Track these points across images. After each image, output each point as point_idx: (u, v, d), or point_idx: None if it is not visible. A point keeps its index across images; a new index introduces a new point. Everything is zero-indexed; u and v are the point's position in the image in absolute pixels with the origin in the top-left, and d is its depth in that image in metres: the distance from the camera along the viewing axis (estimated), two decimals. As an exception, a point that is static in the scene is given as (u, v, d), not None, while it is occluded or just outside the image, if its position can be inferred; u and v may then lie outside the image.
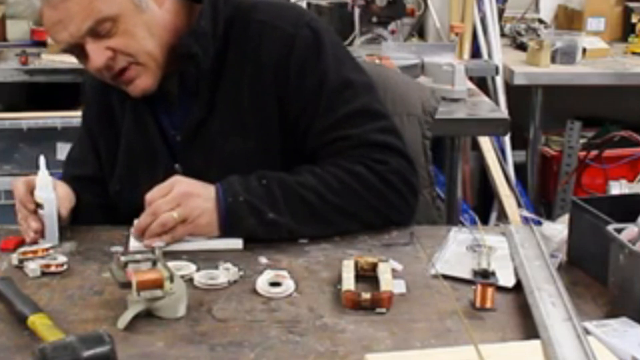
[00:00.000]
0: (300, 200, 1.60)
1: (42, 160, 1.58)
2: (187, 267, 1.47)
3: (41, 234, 1.58)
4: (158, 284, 1.30)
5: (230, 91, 1.69)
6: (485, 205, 3.82)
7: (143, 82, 1.65)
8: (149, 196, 1.57)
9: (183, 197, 1.56)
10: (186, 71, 1.69)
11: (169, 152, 1.75)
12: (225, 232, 1.58)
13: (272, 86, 1.67)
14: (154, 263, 1.34)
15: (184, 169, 1.72)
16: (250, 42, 1.69)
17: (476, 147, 3.78)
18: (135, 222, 1.61)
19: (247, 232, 1.58)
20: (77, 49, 1.62)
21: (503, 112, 3.35)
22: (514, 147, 3.79)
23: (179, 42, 1.66)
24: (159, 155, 1.75)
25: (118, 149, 1.80)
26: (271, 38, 1.68)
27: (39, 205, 1.58)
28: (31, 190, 1.60)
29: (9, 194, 2.89)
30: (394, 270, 1.45)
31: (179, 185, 1.58)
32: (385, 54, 3.16)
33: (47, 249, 1.53)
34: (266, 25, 1.69)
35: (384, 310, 1.34)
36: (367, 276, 1.44)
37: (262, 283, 1.42)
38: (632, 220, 1.37)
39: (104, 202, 1.81)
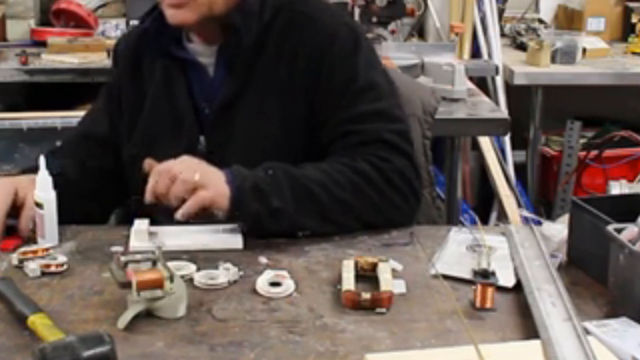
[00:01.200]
0: (306, 191, 1.60)
1: (42, 160, 1.58)
2: (187, 267, 1.47)
3: (41, 233, 1.58)
4: (158, 284, 1.30)
5: (264, 74, 1.73)
6: (485, 205, 3.82)
7: (186, 15, 1.68)
8: (158, 166, 1.58)
9: (196, 165, 1.57)
10: (227, 45, 1.73)
11: (196, 122, 1.77)
12: (233, 212, 1.57)
13: (303, 79, 1.72)
14: (154, 263, 1.34)
15: (207, 143, 1.75)
16: (291, 32, 1.74)
17: (476, 147, 3.78)
18: (136, 222, 1.61)
19: (253, 217, 1.58)
20: None
21: (503, 112, 3.35)
22: (514, 147, 3.79)
23: (225, 15, 1.70)
24: (185, 124, 1.77)
25: (141, 112, 1.82)
26: (312, 31, 1.74)
27: (38, 205, 1.58)
28: None
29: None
30: (394, 270, 1.45)
31: (188, 158, 1.60)
32: (385, 54, 3.15)
33: (47, 249, 1.53)
34: (309, 18, 1.76)
35: (384, 310, 1.34)
36: (367, 276, 1.44)
37: (262, 283, 1.42)
38: (632, 220, 1.37)
39: (106, 167, 1.85)
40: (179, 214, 1.55)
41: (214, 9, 1.69)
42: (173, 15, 1.69)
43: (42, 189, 1.58)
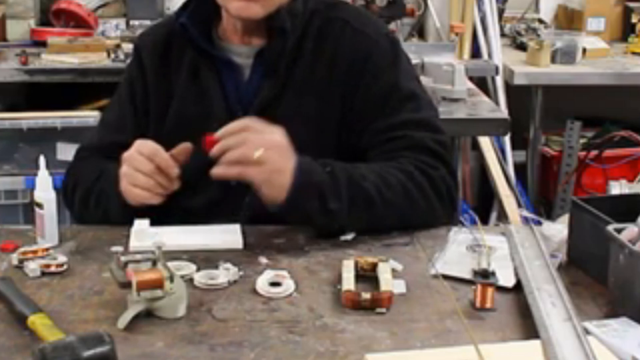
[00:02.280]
0: (361, 192, 1.60)
1: (42, 160, 1.58)
2: (187, 267, 1.47)
3: (41, 233, 1.58)
4: (158, 284, 1.30)
5: (302, 78, 1.73)
6: (485, 205, 3.82)
7: (256, 9, 1.67)
8: (248, 122, 1.55)
9: (277, 146, 1.53)
10: (271, 48, 1.72)
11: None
12: (288, 206, 1.54)
13: (341, 83, 1.73)
14: (154, 263, 1.34)
15: None
16: (329, 38, 1.74)
17: (476, 147, 3.78)
18: (136, 222, 1.61)
19: (306, 216, 1.57)
20: None
21: (503, 112, 3.35)
22: (514, 147, 3.79)
23: (275, 15, 1.69)
24: (215, 125, 1.71)
25: (167, 109, 1.79)
26: (353, 38, 1.74)
27: (38, 205, 1.58)
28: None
29: (9, 194, 2.89)
30: (394, 270, 1.45)
31: (282, 136, 1.55)
32: (385, 54, 3.15)
33: (47, 249, 1.53)
34: (349, 25, 1.76)
35: (384, 310, 1.34)
36: (367, 276, 1.44)
37: (262, 283, 1.42)
38: (632, 220, 1.37)
39: None
40: (214, 170, 1.52)
41: (281, 8, 1.69)
42: (241, 9, 1.67)
43: (42, 189, 1.58)
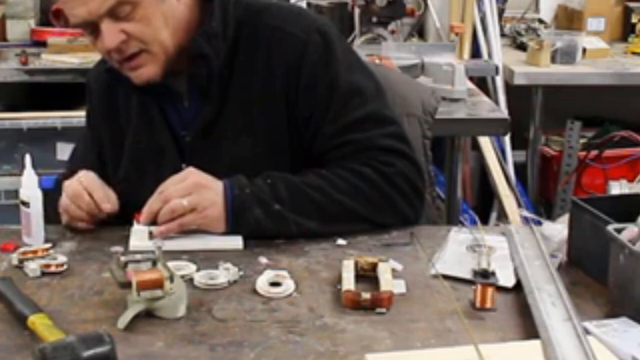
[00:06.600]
0: (305, 198, 1.61)
1: (27, 158, 1.57)
2: (187, 267, 1.47)
3: (27, 232, 1.58)
4: (158, 284, 1.30)
5: (240, 94, 1.70)
6: (485, 205, 3.82)
7: (149, 71, 1.65)
8: (162, 185, 1.60)
9: (195, 187, 1.58)
10: (197, 72, 1.69)
11: (177, 151, 1.75)
12: (232, 224, 1.58)
13: (282, 91, 1.69)
14: (154, 263, 1.34)
15: None
16: (260, 46, 1.70)
17: (476, 147, 3.78)
18: (136, 225, 1.61)
19: (253, 224, 1.58)
20: (91, 27, 1.62)
21: (503, 112, 3.35)
22: (514, 147, 3.79)
23: (190, 42, 1.67)
24: (166, 154, 1.75)
25: (123, 146, 1.80)
26: (282, 43, 1.70)
27: (24, 204, 1.57)
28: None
29: (9, 194, 2.89)
30: (394, 270, 1.45)
31: (192, 175, 1.60)
32: (385, 54, 3.15)
33: (47, 249, 1.53)
34: (277, 30, 1.71)
35: (384, 310, 1.34)
36: (367, 276, 1.44)
37: (262, 283, 1.42)
38: (632, 220, 1.37)
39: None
40: (155, 231, 1.57)
41: (169, 51, 1.64)
42: (137, 77, 1.65)
43: (27, 186, 1.57)
